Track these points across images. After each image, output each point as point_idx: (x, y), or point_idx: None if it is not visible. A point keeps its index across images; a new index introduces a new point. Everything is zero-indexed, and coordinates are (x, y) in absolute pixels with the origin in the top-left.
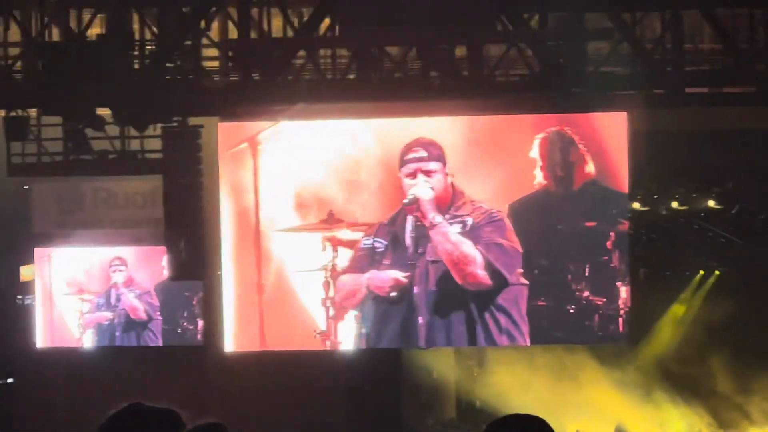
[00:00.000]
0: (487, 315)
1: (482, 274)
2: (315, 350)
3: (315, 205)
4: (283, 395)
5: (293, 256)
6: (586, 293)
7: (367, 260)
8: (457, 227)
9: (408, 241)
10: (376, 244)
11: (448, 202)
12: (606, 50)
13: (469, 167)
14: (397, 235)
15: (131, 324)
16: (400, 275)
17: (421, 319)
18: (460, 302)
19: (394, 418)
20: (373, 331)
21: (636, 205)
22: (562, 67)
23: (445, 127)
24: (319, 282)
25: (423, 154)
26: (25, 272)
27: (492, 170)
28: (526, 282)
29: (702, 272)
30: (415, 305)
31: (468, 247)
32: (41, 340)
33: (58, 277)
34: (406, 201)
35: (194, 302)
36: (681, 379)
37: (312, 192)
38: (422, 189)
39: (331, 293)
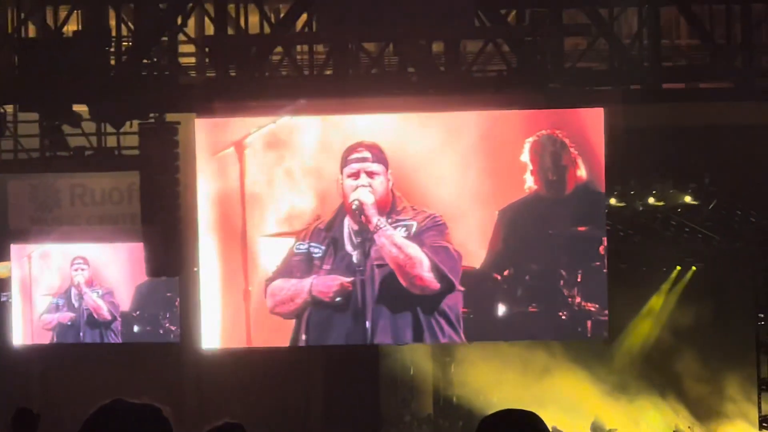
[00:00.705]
0: (431, 319)
1: (429, 277)
2: (293, 347)
3: (302, 210)
4: (260, 391)
5: (280, 262)
6: (578, 299)
7: (304, 266)
8: (402, 231)
9: (348, 245)
10: (313, 249)
11: (389, 206)
12: (583, 46)
13: (455, 172)
14: (335, 240)
15: (94, 323)
16: (344, 280)
17: (368, 324)
18: (407, 306)
19: (372, 414)
20: (315, 336)
21: (613, 201)
22: (539, 62)
23: (430, 130)
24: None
25: (367, 155)
26: (1, 269)
27: (480, 175)
28: (462, 288)
29: (679, 268)
30: (360, 310)
31: (414, 250)
32: (18, 337)
33: (38, 277)
34: (354, 207)
35: (177, 303)
36: (657, 375)
37: (299, 196)
38: (364, 193)
39: None
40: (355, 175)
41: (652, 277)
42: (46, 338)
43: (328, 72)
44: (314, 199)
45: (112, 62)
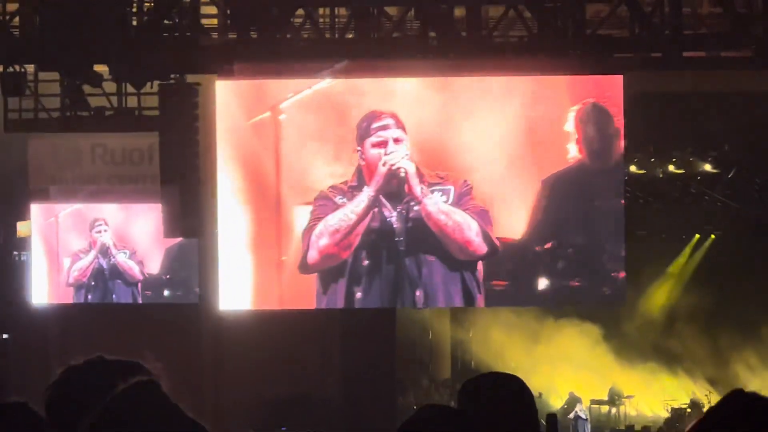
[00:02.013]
0: (476, 282)
1: (477, 241)
2: (312, 309)
3: (337, 177)
4: (277, 354)
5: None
6: (622, 274)
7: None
8: (440, 196)
9: (385, 212)
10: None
11: (418, 173)
12: (604, 13)
13: (496, 139)
14: (378, 204)
15: (128, 284)
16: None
17: (418, 292)
18: (454, 271)
19: (389, 378)
20: (364, 297)
21: (632, 168)
22: (560, 29)
23: (471, 97)
24: None
25: (390, 121)
26: (21, 228)
27: (523, 143)
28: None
29: (698, 236)
30: (407, 276)
31: (460, 216)
32: (39, 296)
33: (64, 237)
34: (402, 175)
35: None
36: (675, 342)
37: (334, 164)
38: (404, 161)
39: None
40: (383, 144)
41: (671, 245)
42: (71, 297)
43: (349, 35)
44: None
45: (134, 22)
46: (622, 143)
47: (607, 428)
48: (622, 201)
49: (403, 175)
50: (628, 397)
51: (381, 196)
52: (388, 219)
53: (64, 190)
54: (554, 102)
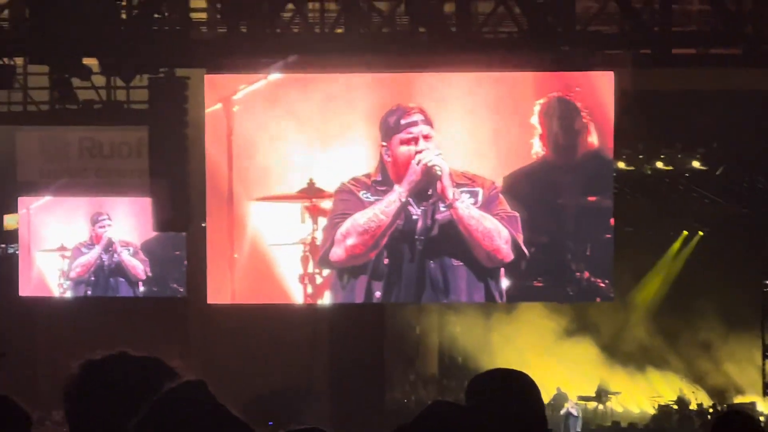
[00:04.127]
0: (496, 286)
1: (505, 249)
2: (300, 304)
3: (294, 172)
4: (265, 347)
5: (270, 227)
6: (586, 274)
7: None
8: (469, 199)
9: (414, 211)
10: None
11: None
12: (594, 9)
13: (459, 136)
14: (407, 206)
15: (129, 282)
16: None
17: (442, 298)
18: (477, 277)
19: (377, 374)
20: (383, 293)
21: (621, 165)
22: (550, 25)
23: (432, 89)
24: (297, 256)
25: (419, 117)
26: (9, 221)
27: (486, 138)
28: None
29: (686, 233)
30: (427, 277)
31: (491, 222)
32: (24, 289)
33: (38, 232)
34: (438, 173)
35: (185, 262)
36: (662, 340)
37: (291, 158)
38: (439, 159)
39: (310, 269)
40: (414, 141)
41: (658, 242)
42: (41, 291)
43: (339, 30)
44: (340, 160)
45: (124, 16)
46: (588, 139)
47: (593, 424)
48: (590, 198)
49: (439, 173)
50: (614, 393)
51: (410, 200)
52: (413, 217)
53: (51, 183)
54: (520, 95)
